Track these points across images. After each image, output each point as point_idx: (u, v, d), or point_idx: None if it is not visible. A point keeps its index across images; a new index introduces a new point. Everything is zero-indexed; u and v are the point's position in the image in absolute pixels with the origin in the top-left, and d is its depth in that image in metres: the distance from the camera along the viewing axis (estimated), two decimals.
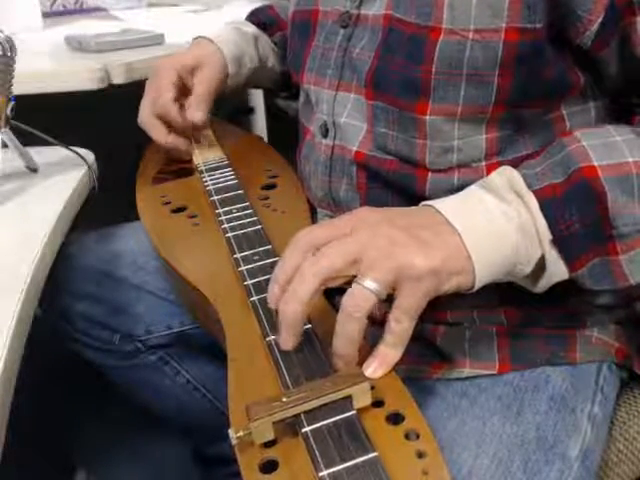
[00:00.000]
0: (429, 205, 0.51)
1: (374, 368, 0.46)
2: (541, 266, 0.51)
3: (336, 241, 0.47)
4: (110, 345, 0.82)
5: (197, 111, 0.78)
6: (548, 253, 0.50)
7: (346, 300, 0.45)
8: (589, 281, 0.51)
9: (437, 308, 0.61)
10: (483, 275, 0.48)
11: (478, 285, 0.49)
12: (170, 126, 0.79)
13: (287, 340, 0.46)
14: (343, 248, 0.46)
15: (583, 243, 0.49)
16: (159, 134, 0.79)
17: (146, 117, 0.79)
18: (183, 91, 0.79)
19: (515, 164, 0.56)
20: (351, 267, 0.45)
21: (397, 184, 0.61)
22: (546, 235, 0.49)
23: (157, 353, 0.84)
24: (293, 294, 0.45)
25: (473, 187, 0.53)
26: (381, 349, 0.47)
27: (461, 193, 0.53)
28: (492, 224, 0.49)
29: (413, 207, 0.52)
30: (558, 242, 0.49)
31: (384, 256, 0.45)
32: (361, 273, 0.45)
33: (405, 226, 0.48)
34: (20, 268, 0.58)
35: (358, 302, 0.44)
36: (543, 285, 0.52)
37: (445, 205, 0.50)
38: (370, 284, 0.44)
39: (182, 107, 0.78)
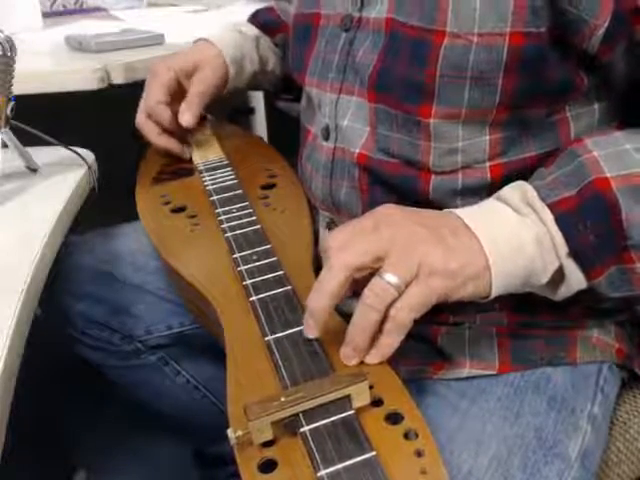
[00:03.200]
0: (450, 211, 0.52)
1: (372, 355, 0.47)
2: (560, 276, 0.51)
3: (362, 237, 0.48)
4: (110, 345, 0.82)
5: (186, 114, 0.78)
6: (566, 264, 0.50)
7: (367, 291, 0.46)
8: (607, 289, 0.52)
9: (440, 310, 0.62)
10: (499, 283, 0.49)
11: (494, 294, 0.50)
12: (163, 126, 0.80)
13: (312, 329, 0.48)
14: (369, 244, 0.47)
15: (599, 254, 0.50)
16: (151, 134, 0.80)
17: (140, 118, 0.80)
18: (179, 93, 0.79)
19: (519, 165, 0.56)
20: (375, 262, 0.47)
21: (400, 186, 0.61)
22: (563, 248, 0.50)
23: (157, 353, 0.84)
24: (321, 286, 0.47)
25: (489, 200, 0.54)
26: (381, 337, 0.47)
27: (480, 204, 0.54)
28: (510, 234, 0.50)
29: (436, 210, 0.53)
30: (575, 254, 0.50)
31: (407, 253, 0.46)
32: (383, 267, 0.46)
33: (428, 225, 0.49)
34: (20, 268, 0.58)
35: (378, 294, 0.46)
36: (563, 293, 0.53)
37: (466, 213, 0.51)
38: (391, 278, 0.46)
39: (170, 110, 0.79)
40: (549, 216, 0.50)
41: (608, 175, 0.49)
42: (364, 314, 0.46)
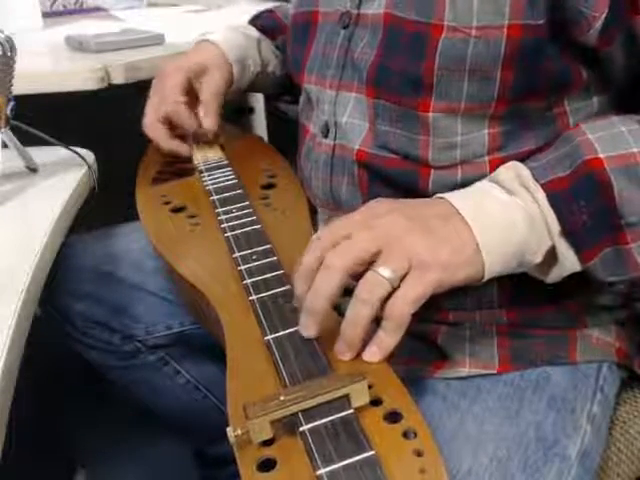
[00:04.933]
0: (439, 197, 0.52)
1: (372, 352, 0.47)
2: (553, 257, 0.51)
3: (355, 234, 0.48)
4: (110, 345, 0.82)
5: (209, 118, 0.78)
6: (558, 244, 0.50)
7: (361, 286, 0.46)
8: (602, 272, 0.51)
9: (439, 308, 0.62)
10: (492, 265, 0.49)
11: (487, 276, 0.49)
12: (173, 131, 0.79)
13: (310, 329, 0.48)
14: (363, 241, 0.47)
15: (592, 234, 0.50)
16: (162, 139, 0.80)
17: (151, 121, 0.79)
18: (189, 95, 0.79)
19: (519, 159, 0.56)
20: (373, 257, 0.46)
21: (399, 182, 0.61)
22: (555, 227, 0.50)
23: (157, 353, 0.84)
24: (320, 286, 0.46)
25: (482, 182, 0.54)
26: (380, 334, 0.47)
27: (470, 187, 0.54)
28: (501, 215, 0.50)
29: (425, 199, 0.53)
30: (567, 234, 0.50)
31: (397, 246, 0.46)
32: (376, 262, 0.46)
33: (416, 217, 0.49)
34: (20, 268, 0.58)
35: (372, 288, 0.45)
36: (556, 276, 0.52)
37: (455, 197, 0.51)
38: (384, 271, 0.45)
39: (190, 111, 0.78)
40: (541, 195, 0.50)
41: (601, 155, 0.49)
42: (357, 309, 0.46)
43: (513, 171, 0.52)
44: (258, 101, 1.37)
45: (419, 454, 0.39)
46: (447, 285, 0.48)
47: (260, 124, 1.39)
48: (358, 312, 0.46)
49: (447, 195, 0.52)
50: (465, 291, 0.60)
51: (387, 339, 0.47)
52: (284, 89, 0.92)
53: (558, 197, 0.50)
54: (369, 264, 0.47)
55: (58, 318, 0.82)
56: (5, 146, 0.73)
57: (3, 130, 0.72)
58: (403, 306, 0.46)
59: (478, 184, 0.54)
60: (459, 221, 0.49)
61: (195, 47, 0.84)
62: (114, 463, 1.06)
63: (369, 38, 0.60)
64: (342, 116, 0.64)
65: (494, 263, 0.49)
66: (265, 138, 1.33)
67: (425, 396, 0.60)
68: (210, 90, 0.79)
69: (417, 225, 0.48)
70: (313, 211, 0.71)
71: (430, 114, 0.56)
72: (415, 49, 0.55)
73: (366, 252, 0.46)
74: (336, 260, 0.46)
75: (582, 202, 0.49)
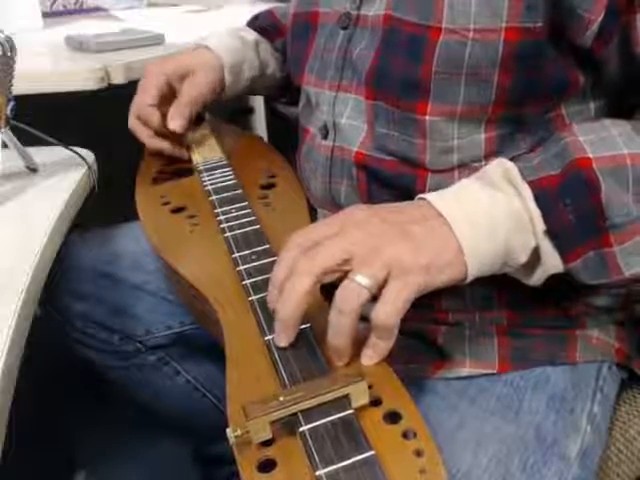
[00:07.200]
0: (422, 198, 0.51)
1: (369, 356, 0.47)
2: (536, 257, 0.51)
3: (327, 240, 0.47)
4: (110, 345, 0.82)
5: (175, 119, 0.78)
6: (542, 244, 0.50)
7: (338, 295, 0.45)
8: (584, 275, 0.51)
9: (439, 309, 0.62)
10: (475, 266, 0.48)
11: (471, 277, 0.49)
12: (153, 129, 0.80)
13: (282, 338, 0.47)
14: (334, 246, 0.46)
15: (577, 234, 0.49)
16: (142, 135, 0.80)
17: (131, 120, 0.80)
18: (171, 96, 0.79)
19: None
20: (343, 264, 0.46)
21: (397, 185, 0.61)
22: (540, 225, 0.49)
23: (157, 353, 0.84)
24: (288, 293, 0.46)
25: (465, 180, 0.53)
26: (373, 339, 0.46)
27: (453, 186, 0.53)
28: (483, 214, 0.49)
29: (405, 202, 0.52)
30: (552, 233, 0.49)
31: (375, 253, 0.45)
32: (353, 269, 0.45)
33: (395, 221, 0.48)
34: (20, 268, 0.58)
35: (349, 297, 0.45)
36: (538, 277, 0.52)
37: (436, 197, 0.50)
38: (361, 279, 0.44)
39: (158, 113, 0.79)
40: (528, 192, 0.49)
41: (591, 155, 0.49)
42: (337, 319, 0.45)
43: (501, 168, 0.52)
44: (258, 101, 1.38)
45: (419, 454, 0.39)
46: (430, 287, 0.47)
47: (260, 124, 1.39)
48: (338, 322, 0.45)
49: (428, 195, 0.51)
50: (465, 292, 0.61)
51: (381, 343, 0.46)
52: (285, 91, 0.92)
53: (545, 195, 0.49)
54: (344, 271, 0.46)
55: (58, 318, 0.81)
56: (5, 146, 0.73)
57: (3, 130, 0.72)
58: (389, 313, 0.45)
59: (463, 182, 0.53)
60: (440, 224, 0.48)
61: (189, 51, 0.84)
62: (114, 463, 1.06)
63: (368, 39, 0.60)
64: (341, 117, 0.63)
65: (476, 263, 0.48)
66: (265, 138, 1.33)
67: (425, 396, 0.60)
68: (188, 92, 0.79)
69: (396, 231, 0.47)
70: (313, 211, 0.71)
71: (427, 117, 0.56)
72: (413, 51, 0.55)
73: (336, 259, 0.46)
74: (305, 264, 0.46)
75: (569, 200, 0.49)
